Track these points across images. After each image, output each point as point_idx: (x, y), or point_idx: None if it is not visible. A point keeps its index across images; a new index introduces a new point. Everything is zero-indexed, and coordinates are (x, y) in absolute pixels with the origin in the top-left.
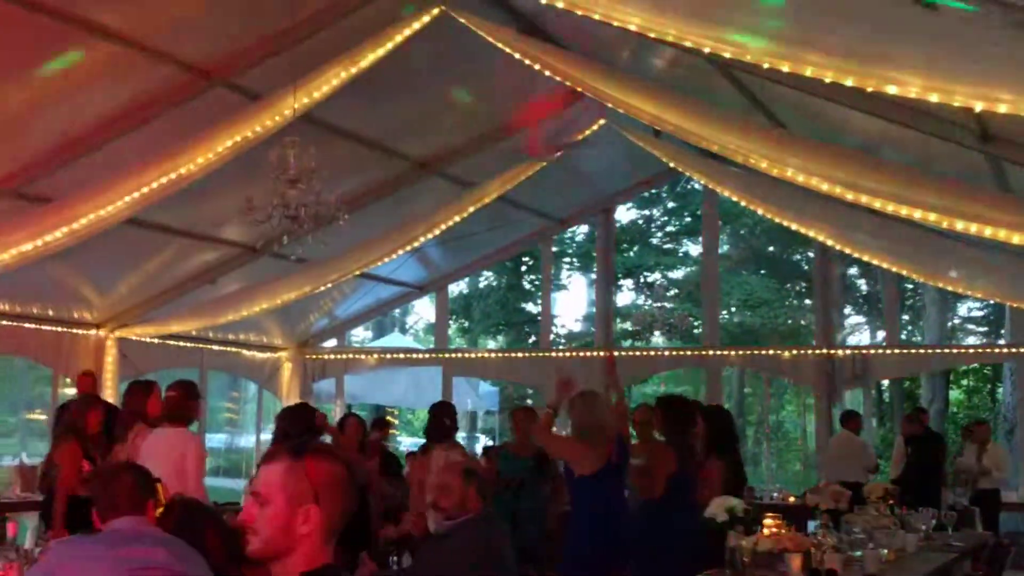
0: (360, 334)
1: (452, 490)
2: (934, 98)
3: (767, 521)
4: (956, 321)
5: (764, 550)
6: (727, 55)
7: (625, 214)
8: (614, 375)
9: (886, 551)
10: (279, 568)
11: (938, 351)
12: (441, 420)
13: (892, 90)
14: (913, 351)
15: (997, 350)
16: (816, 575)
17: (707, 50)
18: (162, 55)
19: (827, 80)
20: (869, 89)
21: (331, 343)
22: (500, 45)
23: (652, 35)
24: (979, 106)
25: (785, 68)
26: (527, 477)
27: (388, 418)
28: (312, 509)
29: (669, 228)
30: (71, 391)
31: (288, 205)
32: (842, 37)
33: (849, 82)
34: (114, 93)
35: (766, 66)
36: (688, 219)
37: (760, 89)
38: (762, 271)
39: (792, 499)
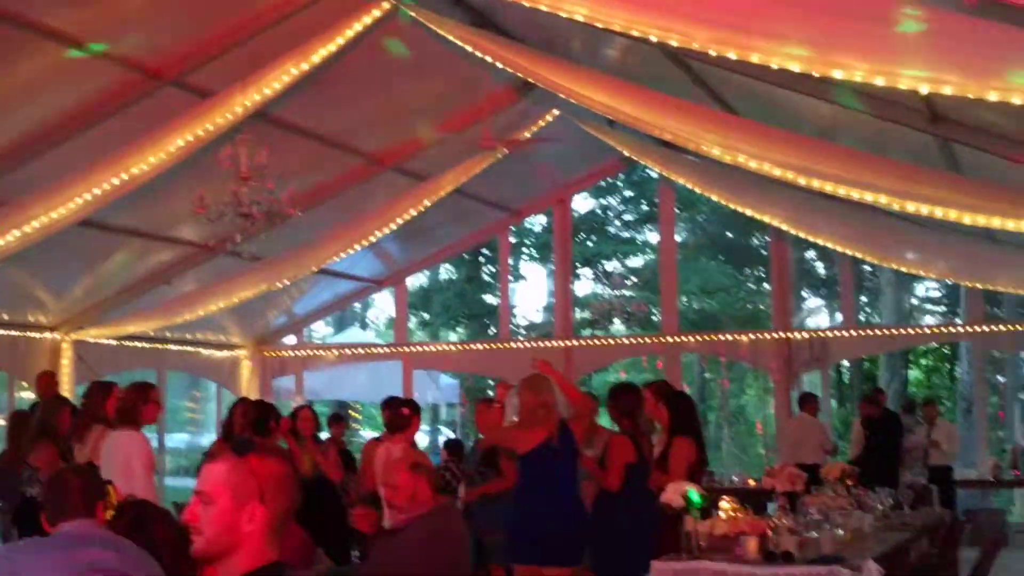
0: (321, 330)
1: (400, 486)
2: (880, 82)
3: (723, 505)
4: (914, 302)
5: (720, 534)
6: (674, 43)
7: (582, 204)
8: (555, 374)
9: (842, 531)
10: (224, 567)
11: (895, 332)
12: (398, 412)
13: (838, 75)
14: (870, 332)
15: (953, 330)
16: (772, 557)
17: (654, 39)
18: (111, 56)
19: (774, 67)
20: (815, 74)
21: (290, 340)
22: (452, 38)
23: (599, 25)
24: (925, 88)
25: (732, 55)
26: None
27: (351, 411)
28: (257, 507)
29: (626, 216)
30: (28, 395)
31: (240, 203)
32: (787, 24)
33: (795, 68)
34: (64, 95)
35: (713, 54)
36: (644, 207)
37: (713, 77)
38: (720, 257)
39: (752, 482)
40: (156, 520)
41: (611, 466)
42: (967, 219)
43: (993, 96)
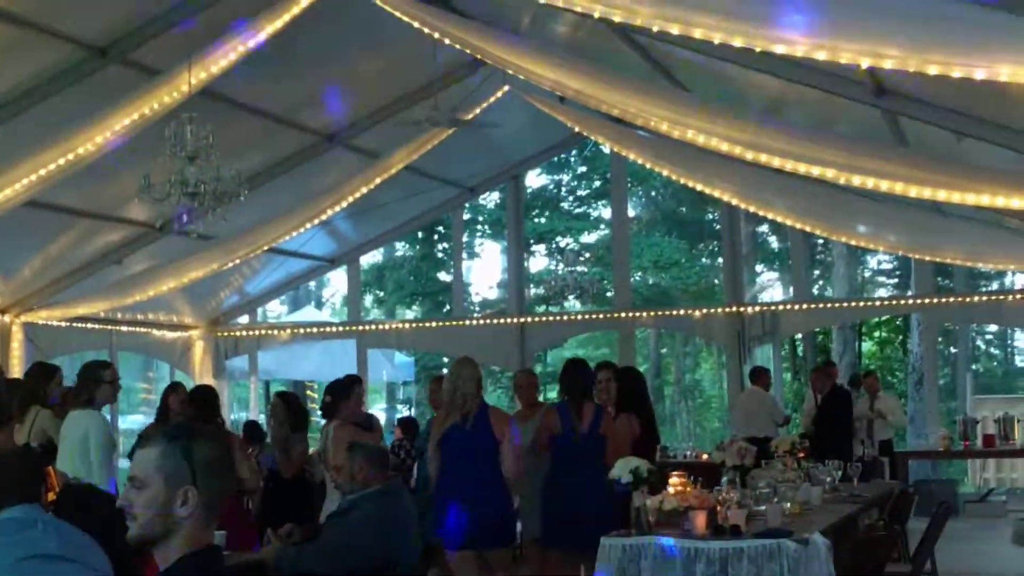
0: (276, 309)
1: (341, 467)
2: (821, 56)
3: (672, 480)
4: (867, 275)
5: (669, 508)
6: (616, 19)
7: (535, 180)
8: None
9: (790, 504)
10: (160, 552)
11: (845, 305)
12: (324, 399)
13: (780, 49)
14: (820, 306)
15: (903, 302)
16: (720, 531)
17: (596, 15)
18: (56, 34)
19: (716, 42)
20: (758, 49)
21: (243, 320)
22: (398, 14)
23: (543, 1)
24: (866, 62)
25: (675, 31)
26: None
27: (307, 391)
28: (190, 491)
29: (579, 192)
30: None
31: (187, 182)
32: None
33: (737, 43)
34: (8, 74)
35: (655, 29)
36: (597, 183)
37: (662, 53)
38: (673, 232)
39: (705, 457)
40: (99, 504)
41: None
42: (913, 192)
43: (933, 70)
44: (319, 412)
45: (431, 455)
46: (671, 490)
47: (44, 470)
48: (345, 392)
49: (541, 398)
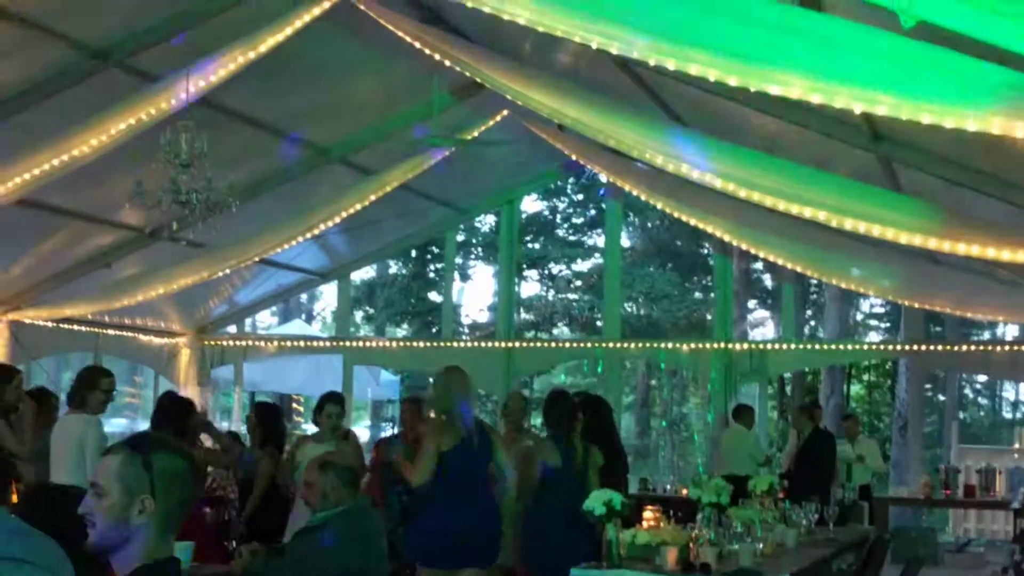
0: (266, 320)
1: (312, 485)
2: (816, 99)
3: (646, 514)
4: (859, 317)
5: (642, 543)
6: (614, 51)
7: (531, 205)
8: None
9: (763, 545)
10: (117, 562)
11: (833, 347)
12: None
13: (775, 90)
14: (808, 346)
15: (891, 347)
16: (690, 568)
17: (595, 46)
18: (57, 35)
19: (711, 79)
20: (752, 89)
21: (231, 329)
22: (401, 34)
23: (541, 29)
24: (859, 108)
25: (671, 66)
26: None
27: (293, 404)
28: (147, 500)
29: (574, 220)
30: None
31: (179, 190)
32: (726, 36)
33: (733, 81)
34: (6, 72)
35: (652, 63)
36: (593, 211)
37: (662, 87)
38: (666, 265)
39: (685, 491)
40: (66, 507)
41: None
42: (904, 238)
43: (927, 119)
44: (302, 425)
45: (421, 467)
46: (645, 524)
47: (10, 473)
48: (318, 409)
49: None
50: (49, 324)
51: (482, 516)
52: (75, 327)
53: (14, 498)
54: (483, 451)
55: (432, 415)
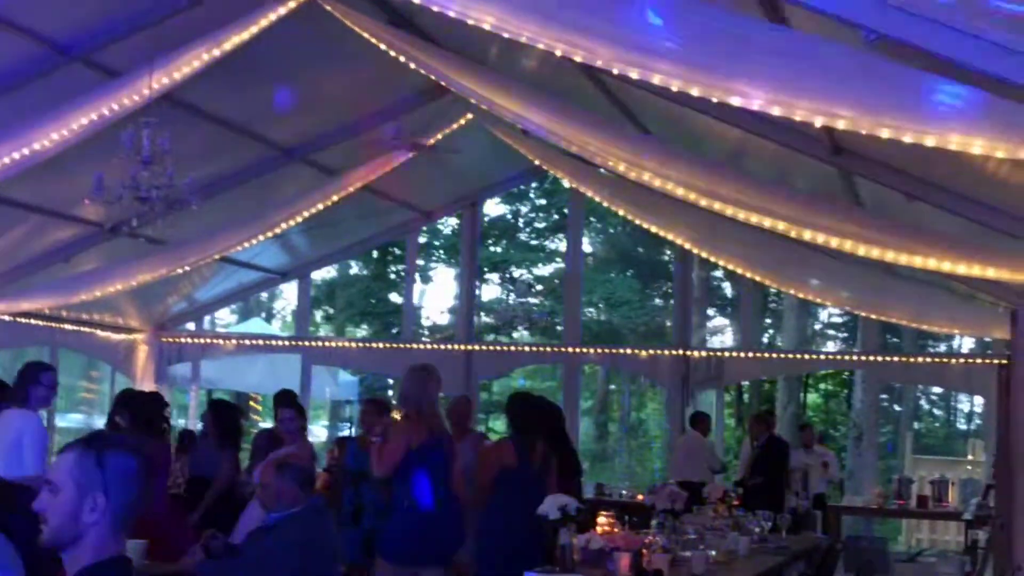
0: (226, 318)
1: (268, 485)
2: (776, 111)
3: (600, 520)
4: (816, 327)
5: (595, 548)
6: (578, 59)
7: (493, 208)
8: None
9: (715, 552)
10: (69, 557)
11: (790, 356)
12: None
13: (736, 102)
14: (765, 355)
15: (848, 357)
16: (643, 575)
17: (559, 53)
18: (19, 29)
19: (674, 89)
20: (715, 100)
21: (190, 326)
22: (366, 35)
23: (507, 35)
24: (819, 121)
25: (634, 75)
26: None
27: (251, 402)
28: (100, 498)
29: (537, 224)
30: None
31: (139, 187)
32: (689, 47)
33: (694, 92)
34: None
35: (616, 71)
36: (555, 216)
37: (626, 94)
38: (627, 271)
39: (641, 497)
40: (14, 502)
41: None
42: (862, 250)
43: (885, 133)
44: (260, 424)
45: (388, 459)
46: (599, 529)
47: None
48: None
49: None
50: (6, 318)
51: (446, 515)
52: (32, 321)
53: None
54: (450, 450)
55: (401, 412)
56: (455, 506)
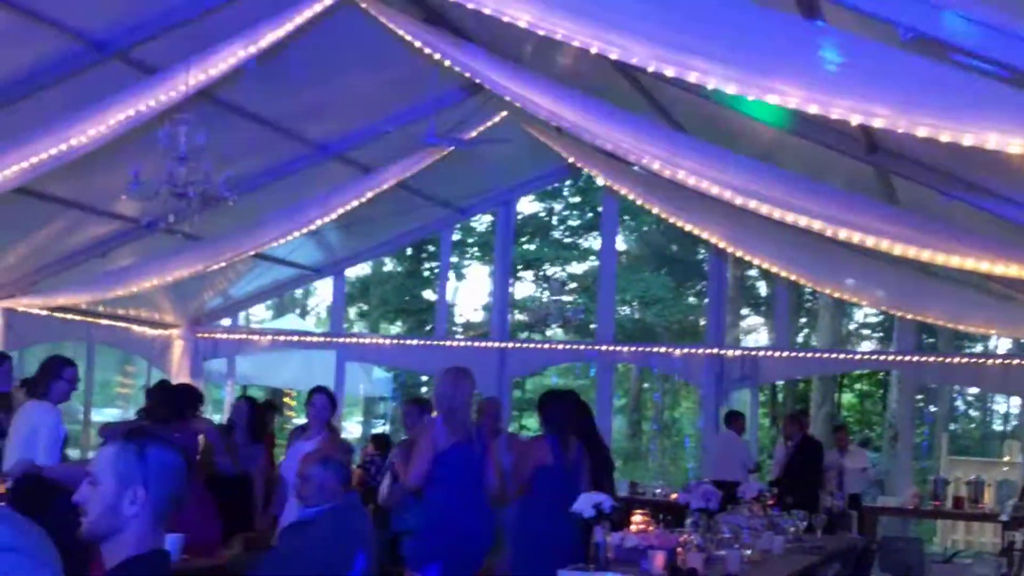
0: (261, 314)
1: (310, 479)
2: (813, 109)
3: (635, 518)
4: (852, 327)
5: (630, 546)
6: (613, 56)
7: (527, 206)
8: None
9: (750, 552)
10: (108, 551)
11: (824, 356)
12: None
13: (773, 100)
14: (799, 355)
15: (883, 358)
16: (678, 573)
17: (594, 51)
18: (58, 26)
19: (710, 87)
20: (751, 98)
21: (225, 322)
22: (401, 33)
23: (542, 32)
24: (856, 119)
25: (670, 73)
26: None
27: (286, 398)
28: (140, 490)
29: (570, 222)
30: None
31: (175, 183)
32: (726, 46)
33: (731, 90)
34: (6, 62)
35: (651, 70)
36: (589, 214)
37: (661, 92)
38: (661, 269)
39: (675, 496)
40: (55, 496)
41: (522, 468)
42: (898, 249)
43: (922, 132)
44: (294, 420)
45: (416, 469)
46: (633, 527)
47: None
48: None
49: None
50: (43, 313)
51: (478, 519)
52: (69, 316)
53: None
54: (484, 451)
55: (433, 414)
56: (486, 511)
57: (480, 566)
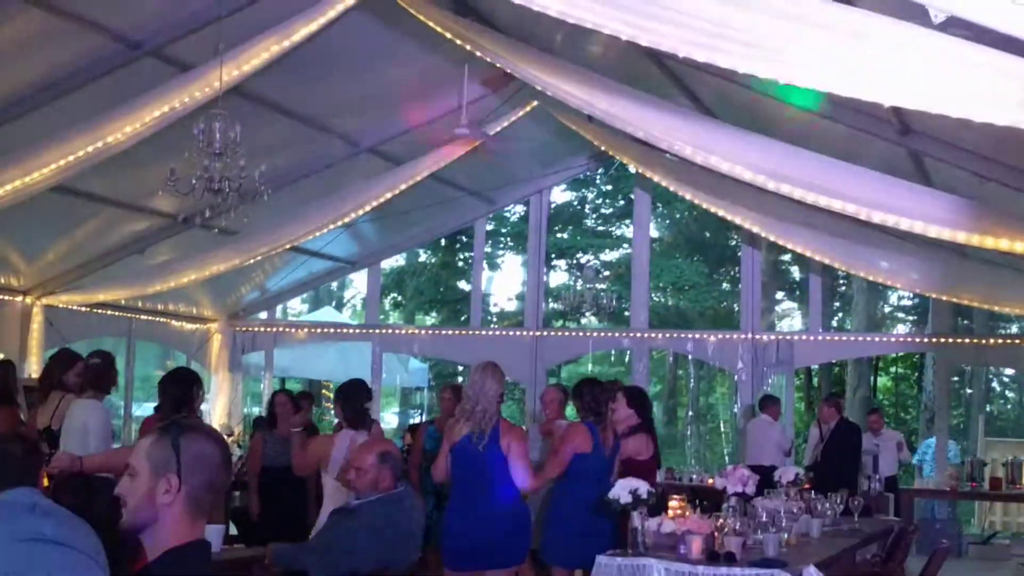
0: (297, 307)
1: (366, 471)
2: (845, 92)
3: (672, 503)
4: (886, 310)
5: (667, 532)
6: (643, 43)
7: (559, 195)
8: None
9: (787, 535)
10: (148, 543)
11: (859, 339)
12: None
13: (804, 83)
14: (835, 338)
15: (918, 340)
16: (715, 558)
17: (624, 38)
18: (91, 24)
19: (741, 71)
20: (782, 82)
21: (262, 315)
22: (432, 24)
23: (571, 21)
24: (888, 102)
25: (700, 58)
26: None
27: (324, 390)
28: (173, 479)
29: (603, 210)
30: None
31: (212, 178)
32: (755, 29)
33: (762, 74)
34: (43, 61)
35: (681, 56)
36: (622, 202)
37: (691, 78)
38: (694, 255)
39: (711, 481)
40: (98, 490)
41: (559, 453)
42: (933, 232)
43: (955, 114)
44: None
45: (438, 464)
46: (670, 513)
47: (42, 454)
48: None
49: None
50: (83, 309)
51: (489, 514)
52: (108, 312)
53: (45, 482)
54: (490, 447)
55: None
56: (503, 505)
57: (509, 564)
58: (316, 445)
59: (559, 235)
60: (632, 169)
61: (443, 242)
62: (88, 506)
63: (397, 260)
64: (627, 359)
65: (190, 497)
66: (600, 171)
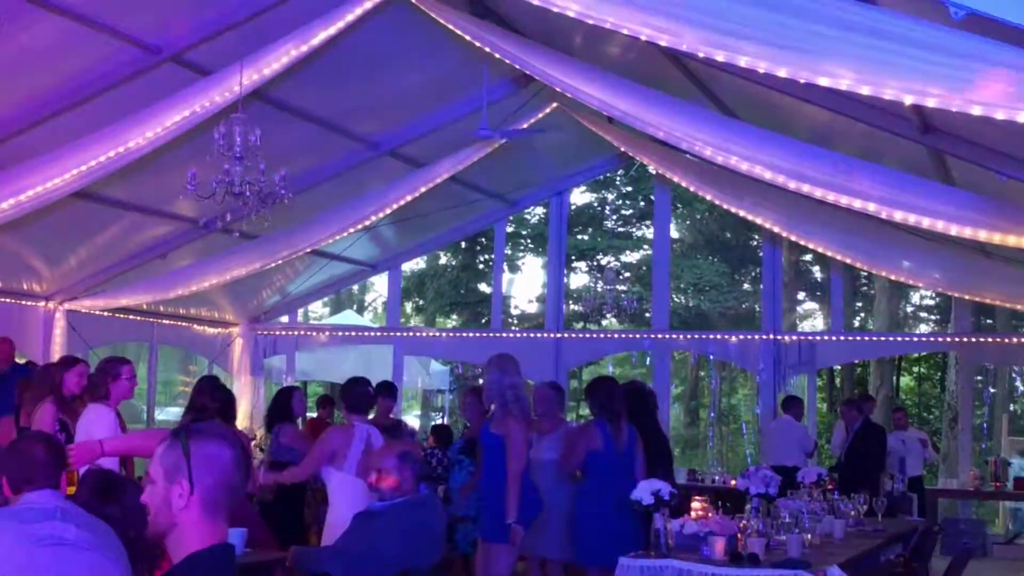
0: (318, 310)
1: (389, 474)
2: (865, 91)
3: (694, 504)
4: (909, 310)
5: (690, 533)
6: (663, 43)
7: (579, 197)
8: None
9: (811, 536)
10: (172, 548)
11: (882, 339)
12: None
13: (824, 82)
14: (857, 338)
15: (941, 339)
16: (738, 559)
17: (643, 38)
18: (110, 31)
19: (761, 70)
20: (802, 81)
21: (283, 319)
22: (451, 27)
23: (591, 22)
24: (909, 100)
25: (720, 58)
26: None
27: None
28: (185, 483)
29: (623, 212)
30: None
31: (232, 182)
32: (775, 28)
33: (782, 73)
34: (64, 68)
35: (701, 55)
36: (642, 203)
37: (711, 78)
38: (715, 256)
39: (734, 483)
40: (121, 494)
41: (574, 451)
42: (954, 230)
43: (976, 111)
44: None
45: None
46: (693, 514)
47: (65, 456)
48: None
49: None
50: (105, 314)
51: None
52: (131, 317)
53: (70, 489)
54: (507, 436)
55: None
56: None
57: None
58: (331, 436)
59: (579, 236)
60: (652, 170)
61: (463, 244)
62: (110, 508)
63: (418, 263)
64: (648, 360)
65: (205, 500)
66: (620, 172)
